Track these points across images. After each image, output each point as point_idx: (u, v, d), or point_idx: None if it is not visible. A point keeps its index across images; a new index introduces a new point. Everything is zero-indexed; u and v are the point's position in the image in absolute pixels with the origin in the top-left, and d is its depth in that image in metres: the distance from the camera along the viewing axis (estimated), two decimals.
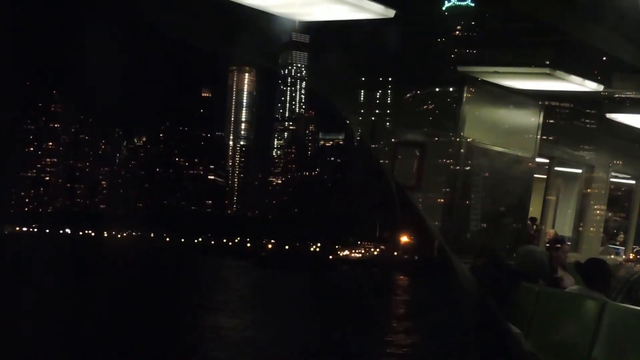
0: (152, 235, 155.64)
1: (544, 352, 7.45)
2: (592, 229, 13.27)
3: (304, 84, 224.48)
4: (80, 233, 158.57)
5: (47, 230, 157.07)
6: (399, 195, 9.87)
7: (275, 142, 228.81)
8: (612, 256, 13.83)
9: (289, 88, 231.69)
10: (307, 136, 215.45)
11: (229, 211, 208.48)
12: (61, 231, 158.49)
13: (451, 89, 9.91)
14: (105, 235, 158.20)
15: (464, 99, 9.66)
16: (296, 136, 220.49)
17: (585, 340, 7.72)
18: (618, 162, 13.75)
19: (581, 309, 8.06)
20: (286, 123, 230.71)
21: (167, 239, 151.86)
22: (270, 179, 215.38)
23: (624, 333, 7.70)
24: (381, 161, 10.65)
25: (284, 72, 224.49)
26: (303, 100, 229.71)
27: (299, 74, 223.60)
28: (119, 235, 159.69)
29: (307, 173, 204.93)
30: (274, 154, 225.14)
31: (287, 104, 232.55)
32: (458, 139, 9.62)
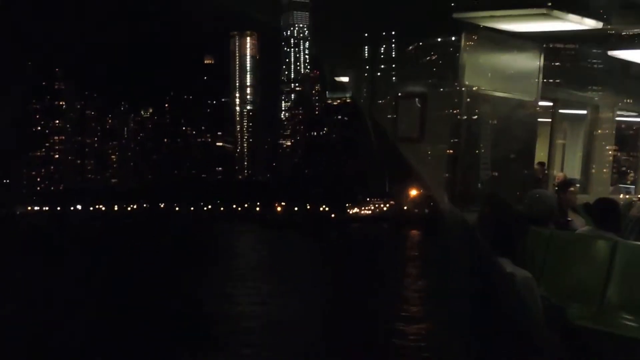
0: (161, 205, 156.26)
1: (557, 296, 7.40)
2: (601, 169, 13.17)
3: (307, 44, 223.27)
4: (91, 209, 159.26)
5: (58, 208, 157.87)
6: (386, 149, 9.83)
7: (283, 105, 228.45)
8: (623, 195, 13.74)
9: (292, 49, 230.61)
10: (314, 96, 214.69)
11: (240, 177, 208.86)
12: (72, 208, 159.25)
13: (449, 38, 9.77)
14: (116, 209, 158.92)
15: (463, 47, 9.53)
16: (303, 97, 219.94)
17: (599, 281, 7.69)
18: (624, 100, 13.60)
19: (593, 249, 8.02)
20: (292, 85, 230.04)
21: (177, 208, 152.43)
22: (281, 141, 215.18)
23: (637, 271, 7.66)
24: (383, 115, 10.56)
25: (286, 33, 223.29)
26: (307, 61, 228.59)
27: (301, 35, 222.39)
28: (128, 208, 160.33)
29: (315, 133, 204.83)
30: (282, 116, 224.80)
31: (292, 66, 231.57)
32: (459, 88, 9.51)
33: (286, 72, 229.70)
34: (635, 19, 9.31)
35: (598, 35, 10.06)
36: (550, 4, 8.38)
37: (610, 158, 13.67)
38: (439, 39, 9.95)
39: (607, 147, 13.37)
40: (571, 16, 8.55)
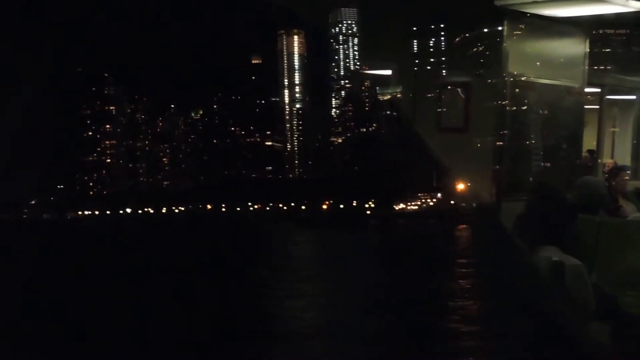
0: (208, 207, 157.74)
1: (609, 284, 7.28)
2: None
3: (356, 40, 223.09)
4: (140, 212, 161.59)
5: (108, 212, 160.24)
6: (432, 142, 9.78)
7: (333, 102, 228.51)
8: None
9: (341, 46, 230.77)
10: (364, 92, 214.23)
11: (290, 175, 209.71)
12: (121, 211, 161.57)
13: (492, 27, 9.67)
14: (164, 211, 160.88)
15: (506, 35, 9.43)
16: (352, 93, 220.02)
17: None
18: None
19: None
20: (342, 81, 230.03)
21: (223, 209, 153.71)
22: (332, 139, 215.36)
23: None
24: (428, 107, 10.49)
25: (334, 30, 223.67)
26: (357, 57, 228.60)
27: (349, 31, 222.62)
28: (176, 210, 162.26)
29: (365, 129, 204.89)
30: (332, 113, 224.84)
31: (341, 63, 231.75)
32: (503, 76, 9.41)
33: (335, 70, 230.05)
34: None
35: None
36: None
37: None
38: (483, 29, 9.90)
39: None
40: None
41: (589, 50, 10.31)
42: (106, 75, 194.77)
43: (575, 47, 10.24)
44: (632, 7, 8.70)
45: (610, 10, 8.96)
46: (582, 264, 5.92)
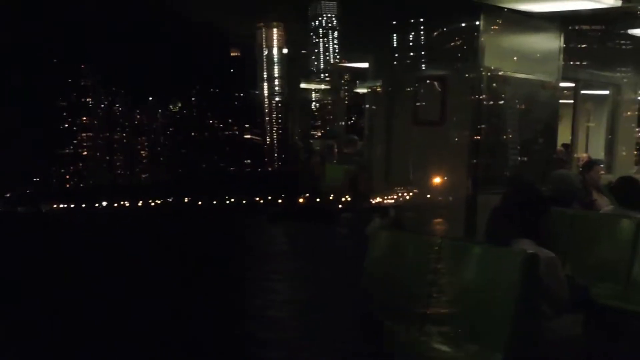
0: (185, 200, 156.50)
1: (582, 276, 7.41)
2: (624, 149, 13.12)
3: (335, 33, 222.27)
4: (115, 205, 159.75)
5: (83, 205, 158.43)
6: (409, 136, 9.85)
7: (313, 95, 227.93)
8: None
9: (321, 40, 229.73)
10: (343, 86, 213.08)
11: (270, 168, 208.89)
12: (97, 205, 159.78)
13: (469, 20, 9.76)
14: (140, 204, 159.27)
15: (482, 29, 9.53)
16: (331, 87, 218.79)
17: (624, 260, 7.69)
18: None
19: (617, 228, 8.02)
20: (322, 75, 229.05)
21: (199, 202, 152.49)
22: (312, 132, 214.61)
23: None
24: (404, 100, 10.59)
25: (315, 24, 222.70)
26: (337, 51, 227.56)
27: (329, 25, 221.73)
28: (152, 204, 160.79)
29: (343, 123, 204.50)
30: (312, 107, 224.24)
31: (321, 56, 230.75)
32: (479, 70, 9.51)
33: (315, 63, 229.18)
34: None
35: (618, 14, 10.02)
36: None
37: (634, 138, 13.63)
38: (460, 23, 9.95)
39: (630, 128, 13.32)
40: None
41: (564, 45, 10.44)
42: (82, 66, 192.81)
43: (551, 42, 10.36)
44: (606, 3, 8.82)
45: (585, 7, 9.08)
46: (557, 256, 6.02)
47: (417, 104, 10.20)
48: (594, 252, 7.95)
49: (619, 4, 8.89)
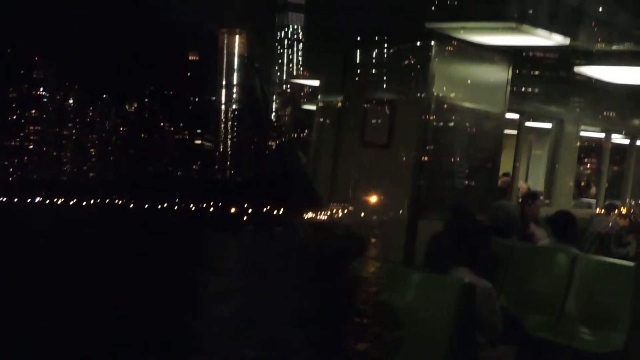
0: (120, 201, 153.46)
1: (517, 306, 7.53)
2: (564, 183, 13.35)
3: (300, 45, 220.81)
4: (47, 202, 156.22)
5: (16, 200, 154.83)
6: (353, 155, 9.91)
7: (274, 106, 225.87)
8: (584, 210, 13.94)
9: (285, 50, 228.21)
10: (303, 98, 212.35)
11: (219, 176, 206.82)
12: (29, 200, 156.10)
13: (420, 46, 9.85)
14: (72, 203, 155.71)
15: (433, 56, 9.62)
16: (291, 99, 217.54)
17: (558, 293, 7.82)
18: (589, 116, 13.81)
19: (553, 262, 8.16)
20: (283, 86, 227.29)
21: (132, 205, 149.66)
22: (270, 143, 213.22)
23: (595, 285, 7.79)
24: (352, 120, 10.64)
25: (281, 34, 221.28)
26: (300, 63, 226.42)
27: (295, 36, 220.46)
28: (84, 203, 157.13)
29: (297, 135, 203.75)
30: (272, 117, 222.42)
31: (284, 67, 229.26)
32: (428, 96, 9.60)
33: (278, 73, 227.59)
34: (602, 37, 9.48)
35: (565, 51, 10.23)
36: (519, 18, 8.51)
37: (574, 172, 13.87)
38: (411, 47, 10.04)
39: (570, 161, 13.56)
40: (539, 31, 8.68)
41: (511, 77, 10.61)
42: (37, 58, 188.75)
43: (499, 74, 10.52)
44: (555, 40, 9.00)
45: (534, 43, 9.24)
46: (492, 286, 6.11)
47: (365, 125, 10.27)
48: (529, 284, 8.08)
49: (567, 42, 9.07)
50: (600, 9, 8.17)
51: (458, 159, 10.24)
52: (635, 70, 10.31)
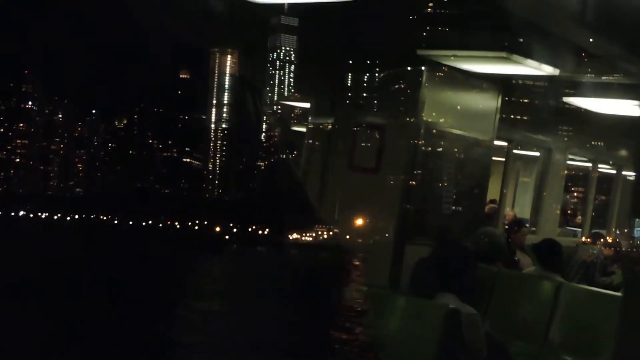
0: (104, 217, 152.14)
1: (501, 333, 7.55)
2: (550, 211, 13.42)
3: (292, 67, 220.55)
4: (32, 215, 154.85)
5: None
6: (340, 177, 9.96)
7: (264, 126, 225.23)
8: (570, 238, 14.03)
9: (277, 72, 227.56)
10: (293, 119, 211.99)
11: (207, 195, 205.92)
12: (12, 214, 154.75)
13: (410, 73, 9.94)
14: (56, 217, 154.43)
15: (424, 83, 9.70)
16: (281, 120, 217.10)
17: (542, 321, 7.85)
18: (576, 145, 13.93)
19: (538, 290, 8.18)
20: (274, 107, 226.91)
21: (115, 221, 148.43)
22: (259, 163, 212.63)
23: (580, 313, 7.83)
24: (340, 144, 10.70)
25: (273, 55, 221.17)
26: (292, 84, 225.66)
27: (287, 58, 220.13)
28: (68, 218, 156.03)
29: (286, 156, 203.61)
30: (262, 137, 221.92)
31: (276, 88, 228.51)
32: (417, 122, 9.67)
33: (269, 94, 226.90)
34: (591, 68, 9.60)
35: (555, 81, 10.34)
36: (510, 48, 8.60)
37: (560, 200, 13.96)
38: (401, 73, 10.13)
39: (557, 189, 13.64)
40: (529, 61, 8.78)
41: (500, 105, 10.70)
42: (27, 71, 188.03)
43: (488, 102, 10.61)
44: (544, 71, 9.10)
45: (523, 72, 9.34)
46: (477, 313, 6.14)
47: (354, 149, 10.33)
48: (514, 311, 8.12)
49: (556, 72, 9.18)
50: (591, 41, 8.25)
51: (446, 185, 10.31)
52: (623, 102, 10.43)
